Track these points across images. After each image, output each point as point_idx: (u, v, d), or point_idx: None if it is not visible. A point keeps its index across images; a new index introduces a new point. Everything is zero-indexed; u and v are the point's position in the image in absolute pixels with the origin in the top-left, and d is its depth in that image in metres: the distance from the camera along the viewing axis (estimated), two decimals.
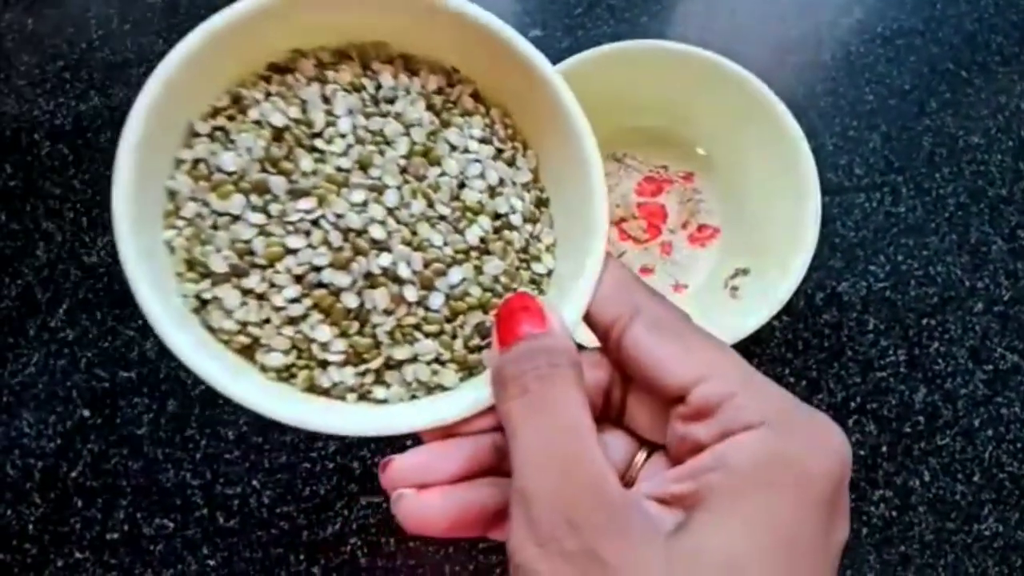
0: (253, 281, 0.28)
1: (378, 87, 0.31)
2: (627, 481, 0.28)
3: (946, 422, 0.51)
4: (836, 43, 0.60)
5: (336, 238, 0.28)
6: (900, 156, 0.57)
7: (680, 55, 0.47)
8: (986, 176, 0.57)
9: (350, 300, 0.28)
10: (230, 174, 0.28)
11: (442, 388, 0.30)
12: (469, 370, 0.30)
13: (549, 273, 0.32)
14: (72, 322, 0.50)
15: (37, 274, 0.51)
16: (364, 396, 0.29)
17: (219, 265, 0.28)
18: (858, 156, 0.57)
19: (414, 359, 0.29)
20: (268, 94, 0.30)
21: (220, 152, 0.29)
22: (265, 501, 0.47)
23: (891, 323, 0.53)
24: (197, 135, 0.29)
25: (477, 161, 0.31)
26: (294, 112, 0.29)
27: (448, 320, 0.29)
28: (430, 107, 0.31)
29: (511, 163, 0.32)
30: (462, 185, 0.30)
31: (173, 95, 0.27)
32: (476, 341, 0.30)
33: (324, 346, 0.28)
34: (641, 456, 0.28)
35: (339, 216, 0.28)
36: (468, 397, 0.28)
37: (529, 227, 0.31)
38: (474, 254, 0.30)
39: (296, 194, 0.28)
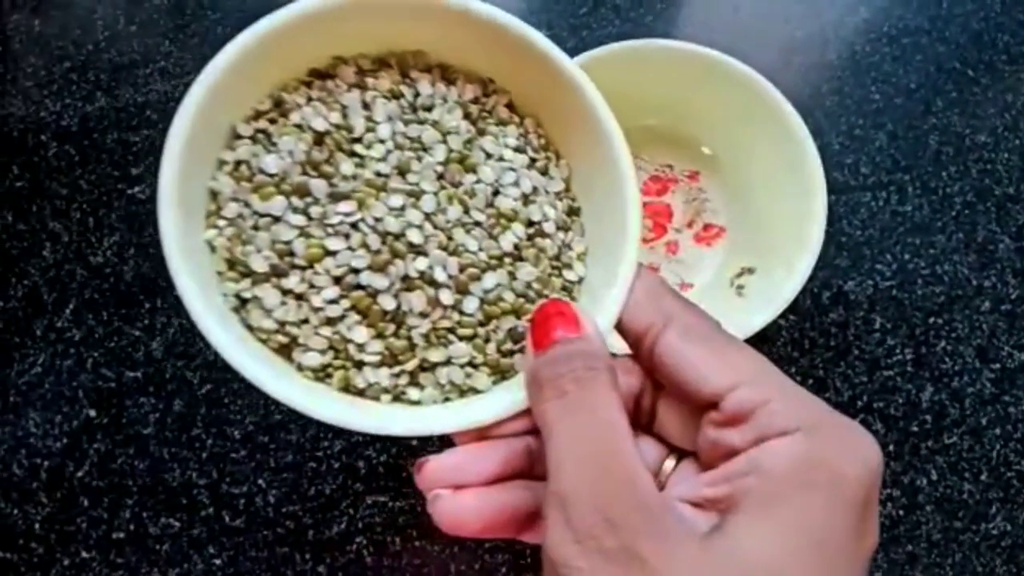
0: (293, 281, 0.28)
1: (416, 95, 0.31)
2: (659, 485, 0.28)
3: (953, 421, 0.51)
4: (842, 42, 0.60)
5: (375, 241, 0.28)
6: (906, 155, 0.57)
7: (685, 54, 0.47)
8: (993, 175, 0.57)
9: (387, 302, 0.28)
10: (272, 176, 0.29)
11: (475, 391, 0.30)
12: (501, 374, 0.30)
13: (580, 281, 0.32)
14: (78, 322, 0.50)
15: (44, 274, 0.51)
16: (398, 397, 0.30)
17: (260, 265, 0.28)
18: (864, 155, 0.57)
19: (448, 361, 0.30)
20: (309, 99, 0.30)
21: (262, 154, 0.29)
22: (271, 500, 0.47)
23: (898, 322, 0.53)
24: (239, 137, 0.30)
25: (511, 169, 0.31)
26: (335, 117, 0.30)
27: (482, 324, 0.30)
28: (466, 116, 0.32)
29: (544, 172, 0.32)
30: (496, 192, 0.31)
31: (217, 99, 0.28)
32: (509, 346, 0.30)
33: (360, 347, 0.29)
34: (670, 463, 0.28)
35: (378, 220, 0.28)
36: (501, 400, 0.29)
37: (561, 235, 0.32)
38: (508, 260, 0.30)
39: (336, 197, 0.28)
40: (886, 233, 0.55)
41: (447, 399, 0.30)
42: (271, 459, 0.48)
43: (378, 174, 0.29)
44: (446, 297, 0.29)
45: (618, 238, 0.30)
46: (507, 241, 0.30)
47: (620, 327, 0.29)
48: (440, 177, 0.30)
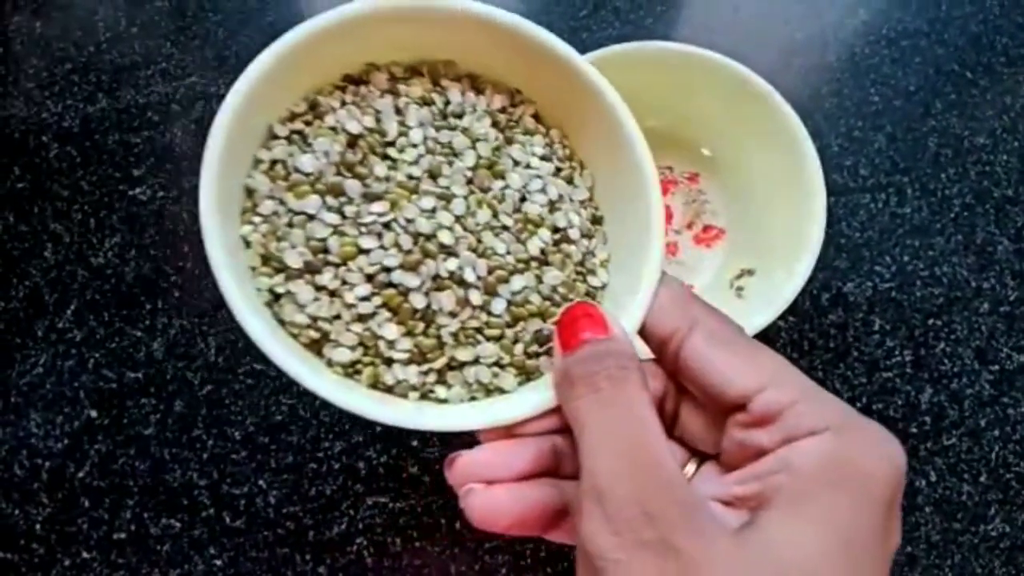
0: (326, 278, 0.29)
1: (447, 103, 0.32)
2: None
3: (952, 422, 0.51)
4: (841, 44, 0.60)
5: (407, 241, 0.29)
6: (905, 157, 0.57)
7: (685, 56, 0.47)
8: (992, 177, 0.57)
9: (418, 300, 0.29)
10: (307, 175, 0.29)
11: (501, 391, 0.30)
12: (527, 375, 0.31)
13: (604, 287, 0.33)
14: (79, 323, 0.50)
15: (45, 275, 0.51)
16: (426, 395, 0.30)
17: (294, 261, 0.29)
18: (863, 157, 0.57)
19: (476, 361, 0.30)
20: (343, 102, 0.31)
21: (298, 154, 0.30)
22: (271, 501, 0.47)
23: (897, 323, 0.53)
24: (276, 137, 0.30)
25: (538, 177, 0.32)
26: (368, 121, 0.31)
27: (509, 325, 0.30)
28: (495, 124, 0.33)
29: (569, 181, 0.33)
30: (524, 198, 0.32)
31: (253, 103, 0.29)
32: (535, 347, 0.31)
33: (391, 344, 0.29)
34: (692, 467, 0.29)
35: (410, 220, 0.29)
36: (528, 400, 0.29)
37: (585, 242, 0.33)
38: (534, 264, 0.31)
39: (370, 197, 0.29)
40: (885, 235, 0.55)
41: (473, 398, 0.30)
42: (272, 460, 0.48)
43: (410, 177, 0.30)
44: (475, 297, 0.30)
45: (642, 244, 0.31)
46: (534, 245, 0.31)
47: (644, 332, 0.29)
48: (470, 182, 0.31)
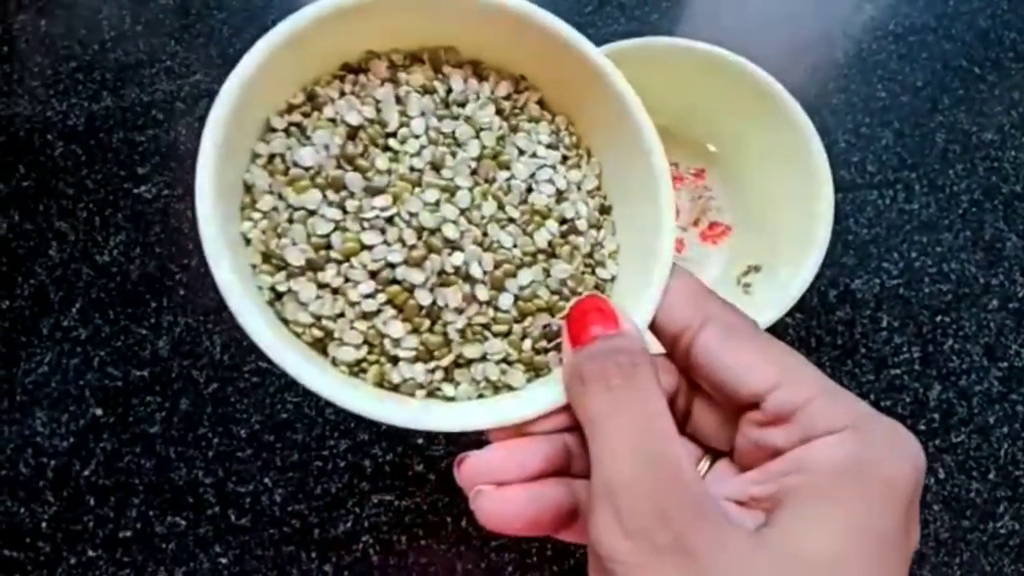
0: (329, 275, 0.28)
1: (449, 90, 0.31)
2: None
3: (961, 419, 0.51)
4: (848, 40, 0.60)
5: (410, 236, 0.28)
6: (913, 153, 0.57)
7: (691, 52, 0.47)
8: (1000, 172, 0.56)
9: (423, 297, 0.28)
10: (307, 169, 0.29)
11: (509, 388, 0.30)
12: (536, 371, 0.30)
13: (613, 279, 0.32)
14: (85, 321, 0.50)
15: (50, 273, 0.51)
16: (433, 393, 0.29)
17: (296, 258, 0.28)
18: (871, 153, 0.56)
19: (483, 358, 0.29)
20: (342, 92, 0.30)
21: (296, 147, 0.29)
22: (277, 499, 0.47)
23: (905, 320, 0.53)
24: (274, 130, 0.30)
25: (545, 166, 0.31)
26: (368, 111, 0.30)
27: (517, 321, 0.30)
28: (499, 112, 0.32)
29: (576, 169, 0.32)
30: (530, 189, 0.31)
31: (250, 94, 0.28)
32: (543, 343, 0.30)
33: (396, 342, 0.28)
34: (705, 464, 0.28)
35: (413, 214, 0.28)
36: (537, 397, 0.29)
37: (594, 233, 0.32)
38: (542, 257, 0.30)
39: (372, 191, 0.28)
40: (893, 231, 0.55)
41: (481, 396, 0.30)
42: (277, 458, 0.48)
43: (412, 169, 0.29)
44: (482, 293, 0.29)
45: (652, 235, 0.30)
46: (541, 238, 0.30)
47: (655, 326, 0.29)
48: (474, 172, 0.30)
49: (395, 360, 0.29)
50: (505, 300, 0.29)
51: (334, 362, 0.29)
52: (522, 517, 0.27)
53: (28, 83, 0.56)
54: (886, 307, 0.53)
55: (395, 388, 0.29)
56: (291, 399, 0.49)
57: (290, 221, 0.28)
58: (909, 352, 0.52)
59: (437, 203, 0.29)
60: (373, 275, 0.28)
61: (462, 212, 0.29)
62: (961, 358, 0.52)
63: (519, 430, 0.28)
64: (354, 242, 0.28)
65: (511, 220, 0.30)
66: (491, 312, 0.29)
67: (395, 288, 0.28)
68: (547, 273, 0.30)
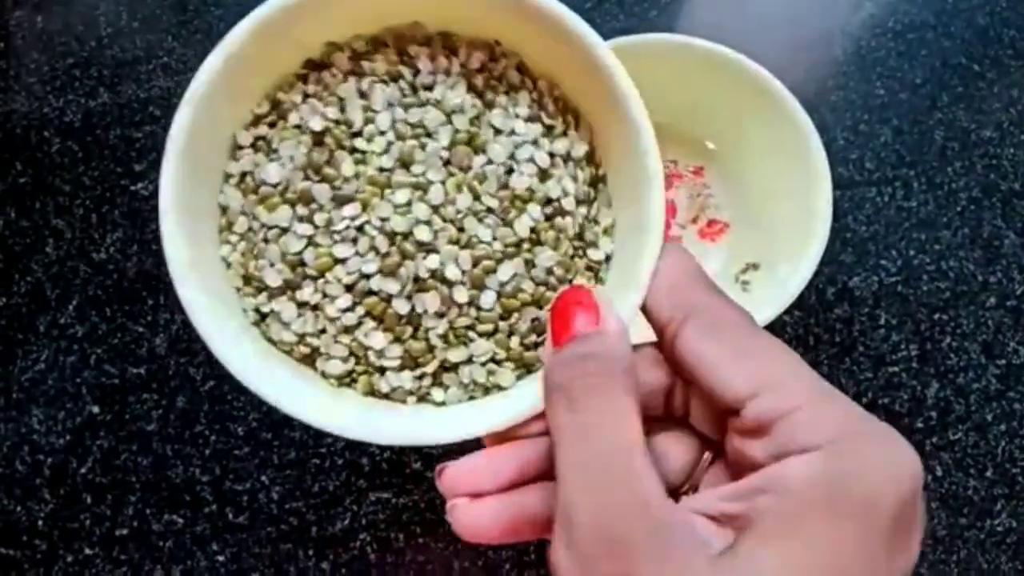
0: (307, 293, 0.28)
1: (416, 73, 0.30)
2: (692, 484, 0.27)
3: (958, 417, 0.51)
4: (847, 37, 0.60)
5: (383, 243, 0.27)
6: (912, 150, 0.56)
7: (690, 49, 0.46)
8: (998, 170, 0.56)
9: (401, 306, 0.28)
10: (275, 186, 0.28)
11: (499, 388, 0.29)
12: (527, 367, 0.29)
13: (608, 259, 0.30)
14: (81, 318, 0.50)
15: (47, 271, 0.51)
16: (423, 399, 0.29)
17: (273, 279, 0.28)
18: (869, 150, 0.56)
19: (469, 360, 0.29)
20: (305, 95, 0.29)
21: (264, 163, 0.28)
22: (274, 497, 0.47)
23: (903, 318, 0.53)
24: (241, 147, 0.29)
25: (525, 143, 0.29)
26: (332, 112, 0.29)
27: (502, 318, 0.29)
28: (471, 88, 0.30)
29: (563, 138, 0.30)
30: (510, 171, 0.29)
31: (210, 113, 0.27)
32: (533, 338, 0.29)
33: (379, 353, 0.28)
34: (707, 459, 0.27)
35: (384, 220, 0.27)
36: (527, 396, 0.27)
37: (583, 210, 0.30)
38: (525, 246, 0.29)
39: (340, 201, 0.28)
40: (891, 229, 0.55)
41: (472, 397, 0.29)
42: (274, 455, 0.48)
43: (381, 169, 0.28)
44: (460, 295, 0.28)
45: (640, 209, 0.28)
46: (523, 226, 0.28)
47: (646, 315, 0.27)
48: (447, 163, 0.28)
49: (382, 370, 0.28)
50: (487, 299, 0.28)
51: (324, 375, 0.29)
52: (495, 528, 0.26)
53: (25, 80, 0.56)
54: (884, 305, 0.53)
55: (386, 396, 0.29)
56: None
57: (265, 241, 0.28)
58: (907, 350, 0.52)
59: (409, 203, 0.28)
60: (349, 288, 0.28)
61: (435, 210, 0.28)
62: (959, 356, 0.52)
63: (509, 434, 0.27)
64: (327, 257, 0.27)
65: (489, 210, 0.28)
66: (473, 313, 0.28)
67: (372, 299, 0.28)
68: (531, 264, 0.29)
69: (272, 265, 0.28)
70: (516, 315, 0.29)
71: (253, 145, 0.29)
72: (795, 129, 0.45)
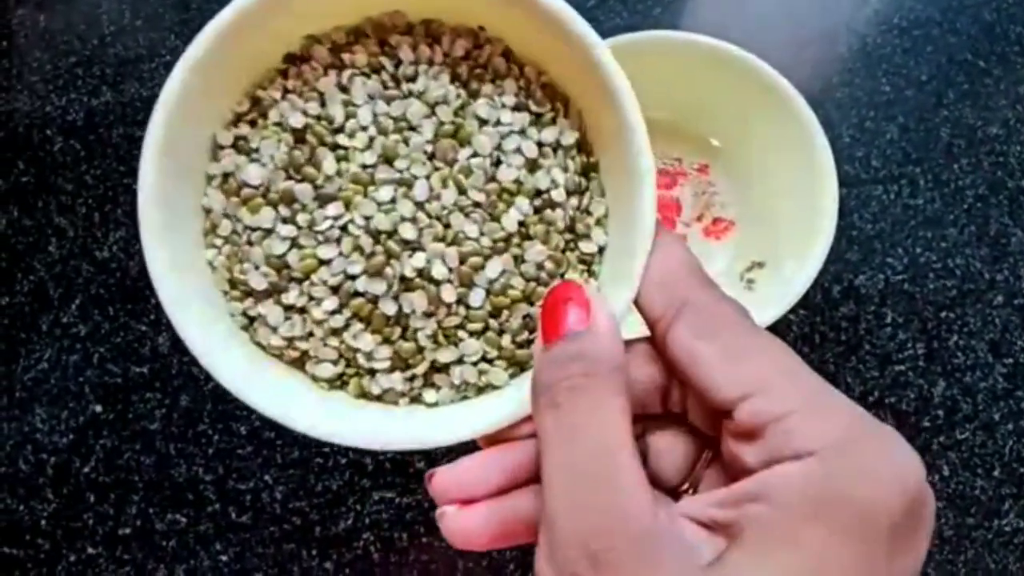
0: (292, 296, 0.27)
1: (398, 64, 0.29)
2: (692, 484, 0.26)
3: (966, 416, 0.51)
4: (852, 34, 0.59)
5: (367, 243, 0.27)
6: (918, 148, 0.56)
7: (694, 46, 0.46)
8: (1005, 167, 0.56)
9: (388, 307, 0.27)
10: (256, 187, 0.27)
11: (492, 387, 0.28)
12: (520, 366, 0.29)
13: (601, 250, 0.29)
14: (84, 318, 0.50)
15: (49, 270, 0.51)
16: (415, 400, 0.29)
17: (258, 283, 0.27)
18: (875, 148, 0.56)
19: (460, 360, 0.28)
20: (286, 91, 0.28)
21: (245, 164, 0.28)
22: (277, 496, 0.47)
23: (909, 316, 0.52)
24: (222, 147, 0.28)
25: (512, 132, 0.28)
26: (312, 108, 0.28)
27: (492, 316, 0.28)
28: (455, 78, 0.29)
29: (552, 126, 0.29)
30: (497, 163, 0.28)
31: (190, 113, 0.27)
32: (525, 335, 0.28)
33: (368, 355, 0.27)
34: (707, 457, 0.26)
35: (367, 218, 0.27)
36: (519, 395, 0.27)
37: (575, 200, 0.29)
38: (514, 240, 0.28)
39: (323, 200, 0.27)
40: (897, 227, 0.54)
41: (465, 397, 0.28)
42: (278, 455, 0.48)
43: (363, 166, 0.27)
44: (448, 294, 0.27)
45: (632, 206, 0.27)
46: (511, 220, 0.27)
47: (639, 309, 0.26)
48: (431, 157, 0.27)
49: (372, 372, 0.28)
50: (476, 297, 0.27)
51: (314, 379, 0.28)
52: (484, 535, 0.25)
53: (27, 78, 0.56)
54: (890, 303, 0.53)
55: (378, 398, 0.28)
56: None
57: (249, 243, 0.27)
58: (913, 348, 0.52)
59: (393, 200, 0.27)
60: (335, 290, 0.27)
61: (419, 206, 0.27)
62: (966, 354, 0.52)
63: (502, 435, 0.27)
64: (311, 258, 0.27)
65: (476, 205, 0.27)
66: (462, 312, 0.27)
67: (358, 301, 0.27)
68: (520, 259, 0.28)
69: (257, 268, 0.27)
70: (506, 312, 0.28)
71: (234, 145, 0.28)
72: (800, 127, 0.45)
